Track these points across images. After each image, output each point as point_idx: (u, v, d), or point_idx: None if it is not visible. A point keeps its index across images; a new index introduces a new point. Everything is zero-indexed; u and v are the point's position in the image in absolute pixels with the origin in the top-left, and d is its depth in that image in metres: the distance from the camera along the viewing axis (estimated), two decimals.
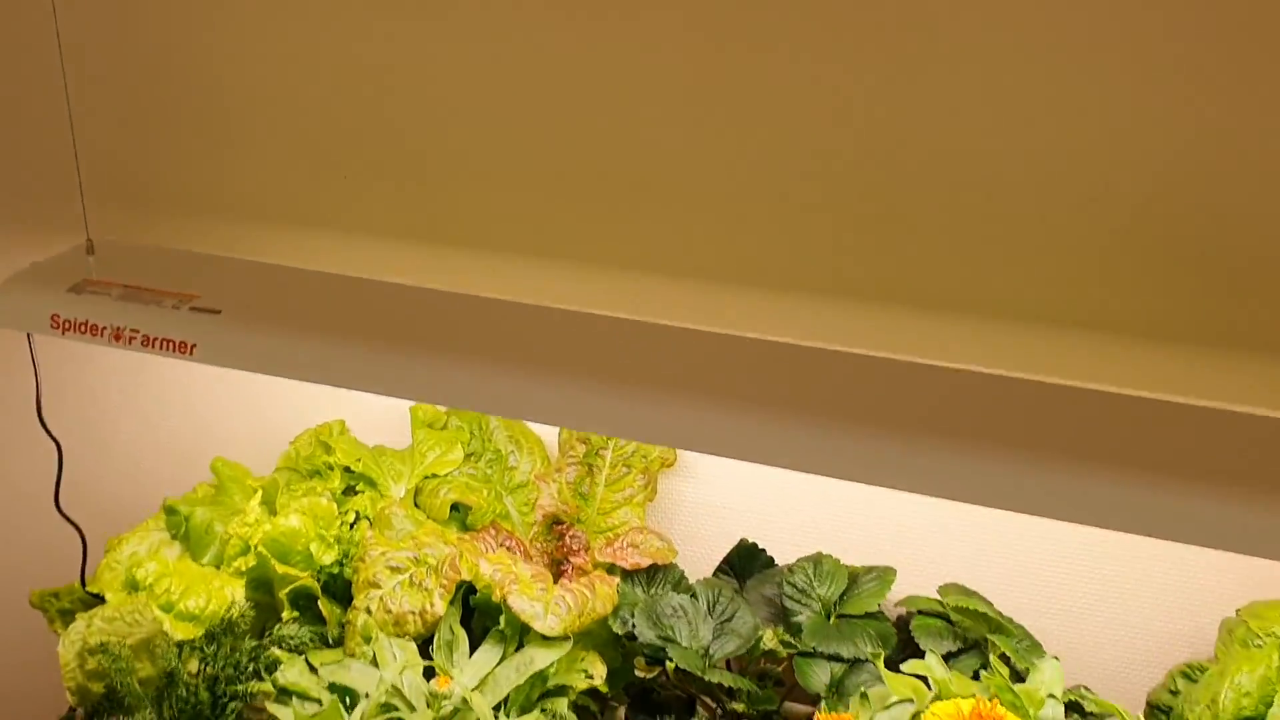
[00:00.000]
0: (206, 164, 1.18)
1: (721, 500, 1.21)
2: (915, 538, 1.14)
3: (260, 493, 1.16)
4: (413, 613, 1.05)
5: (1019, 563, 1.12)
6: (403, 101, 1.11)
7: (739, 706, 1.03)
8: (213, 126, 1.16)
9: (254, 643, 1.05)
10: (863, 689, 0.99)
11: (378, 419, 1.29)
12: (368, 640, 1.04)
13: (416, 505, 1.21)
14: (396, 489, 1.22)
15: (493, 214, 1.13)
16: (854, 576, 1.09)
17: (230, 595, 1.10)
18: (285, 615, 1.11)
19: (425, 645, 1.05)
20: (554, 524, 1.17)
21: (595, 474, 1.19)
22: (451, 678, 1.02)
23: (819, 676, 1.02)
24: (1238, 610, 1.03)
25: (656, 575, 1.11)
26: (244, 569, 1.12)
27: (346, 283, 1.06)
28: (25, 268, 1.03)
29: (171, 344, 0.93)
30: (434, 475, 1.21)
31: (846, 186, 1.00)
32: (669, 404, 0.89)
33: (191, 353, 0.93)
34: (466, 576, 1.06)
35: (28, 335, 1.05)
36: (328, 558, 1.13)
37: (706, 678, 0.99)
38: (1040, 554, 1.11)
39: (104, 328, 0.95)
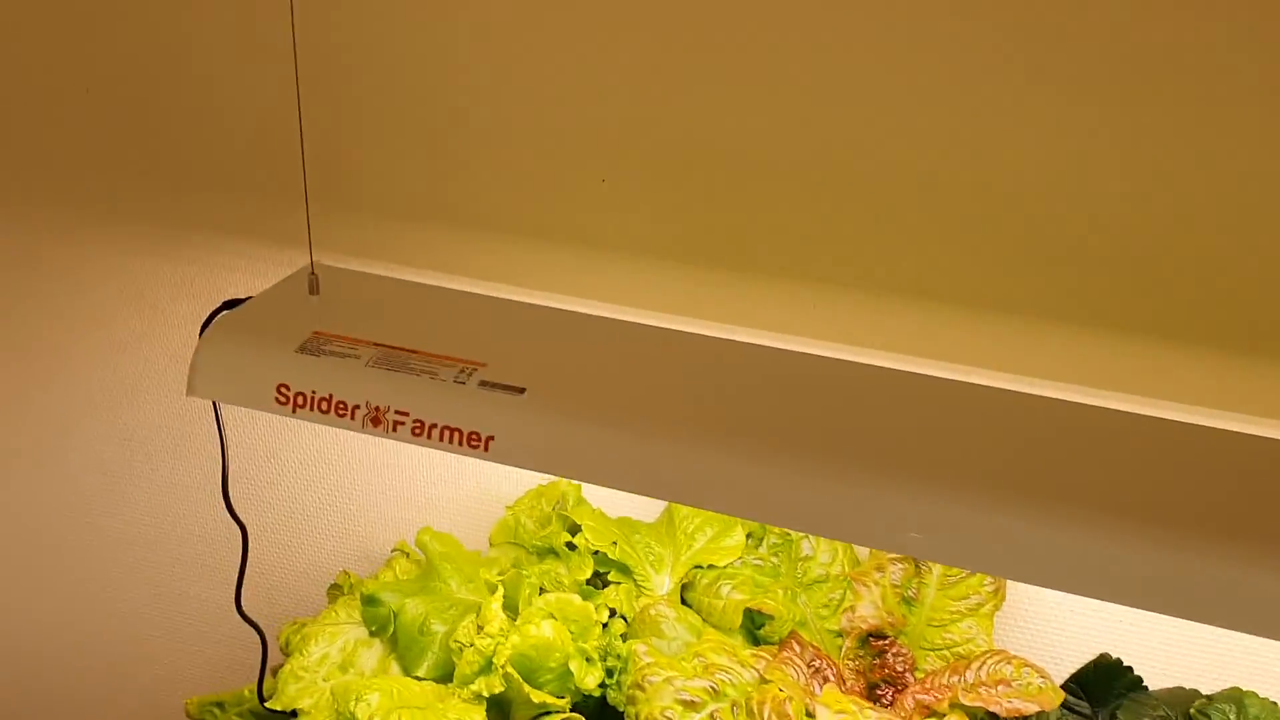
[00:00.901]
0: (442, 167, 0.90)
1: (1072, 603, 0.95)
2: None
3: (501, 589, 0.89)
4: None
5: None
6: (682, 90, 0.83)
7: None
8: (449, 123, 0.88)
9: None
10: None
11: None
12: None
13: (684, 602, 0.95)
14: (658, 580, 0.95)
15: (817, 232, 0.85)
16: None
17: None
18: None
19: None
20: (871, 637, 0.91)
21: (924, 573, 0.92)
22: None
23: None
24: None
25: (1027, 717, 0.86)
26: (486, 693, 0.86)
27: (658, 337, 0.78)
28: (225, 311, 0.74)
29: (458, 435, 0.66)
30: (709, 565, 0.95)
31: None
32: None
33: (487, 448, 0.66)
34: None
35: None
36: (591, 679, 0.87)
37: None
38: None
39: (356, 407, 0.68)
